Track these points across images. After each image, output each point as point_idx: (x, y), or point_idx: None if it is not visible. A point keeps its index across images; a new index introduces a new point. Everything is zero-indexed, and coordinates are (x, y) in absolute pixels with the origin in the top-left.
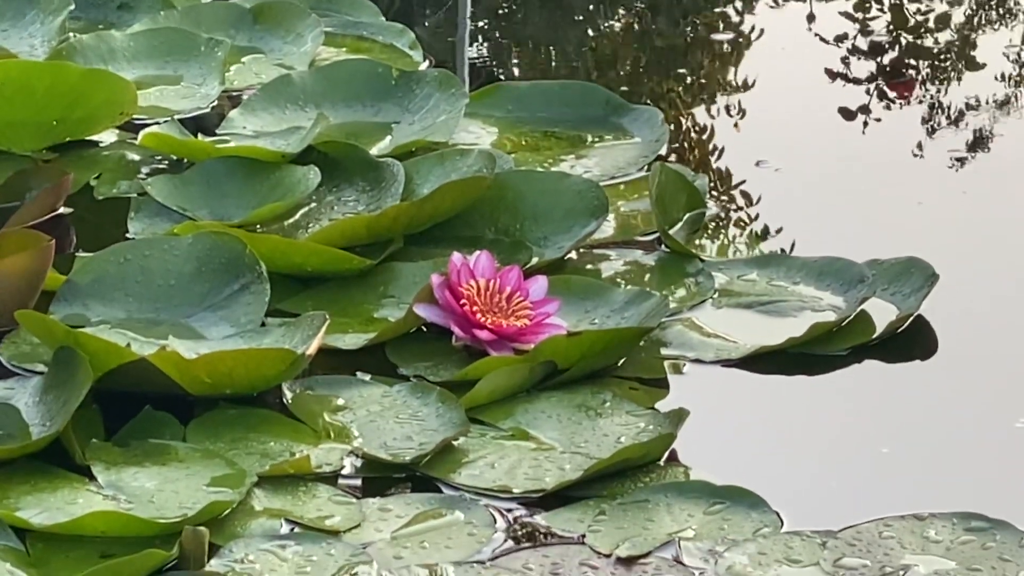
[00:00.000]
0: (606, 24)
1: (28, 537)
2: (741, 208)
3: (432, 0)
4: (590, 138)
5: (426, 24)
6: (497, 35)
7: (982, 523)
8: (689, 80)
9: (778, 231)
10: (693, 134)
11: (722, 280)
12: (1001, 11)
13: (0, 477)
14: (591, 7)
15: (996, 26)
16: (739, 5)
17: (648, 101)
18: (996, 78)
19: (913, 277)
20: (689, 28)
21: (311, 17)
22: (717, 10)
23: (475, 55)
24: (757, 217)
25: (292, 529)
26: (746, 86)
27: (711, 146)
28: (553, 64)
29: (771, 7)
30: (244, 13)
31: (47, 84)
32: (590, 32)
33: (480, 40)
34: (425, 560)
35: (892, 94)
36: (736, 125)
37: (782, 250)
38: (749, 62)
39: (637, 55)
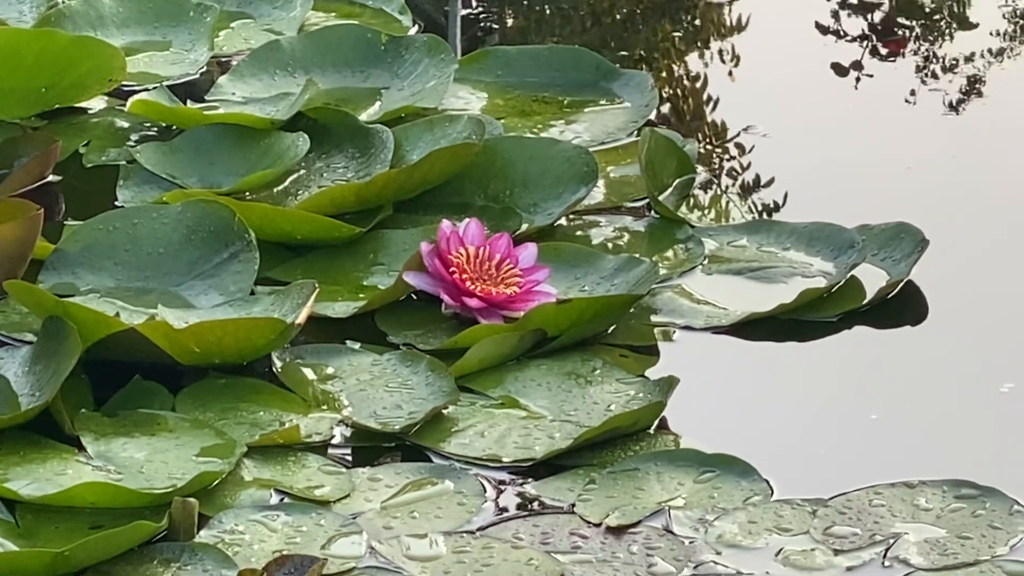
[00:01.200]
0: None
1: (17, 509)
2: (731, 173)
3: None
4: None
5: None
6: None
7: (972, 491)
8: (678, 33)
9: (768, 197)
10: (682, 94)
11: (712, 246)
12: None
13: None
14: None
15: None
16: None
17: (640, 53)
18: (991, 34)
19: (903, 242)
20: None
21: None
22: None
23: (468, 12)
24: (747, 183)
25: (282, 499)
26: (737, 34)
27: (701, 108)
28: (542, 13)
29: None
30: None
31: (36, 51)
32: None
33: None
34: (415, 530)
35: (884, 51)
36: (729, 74)
37: (772, 212)
38: (740, 15)
39: (630, 8)
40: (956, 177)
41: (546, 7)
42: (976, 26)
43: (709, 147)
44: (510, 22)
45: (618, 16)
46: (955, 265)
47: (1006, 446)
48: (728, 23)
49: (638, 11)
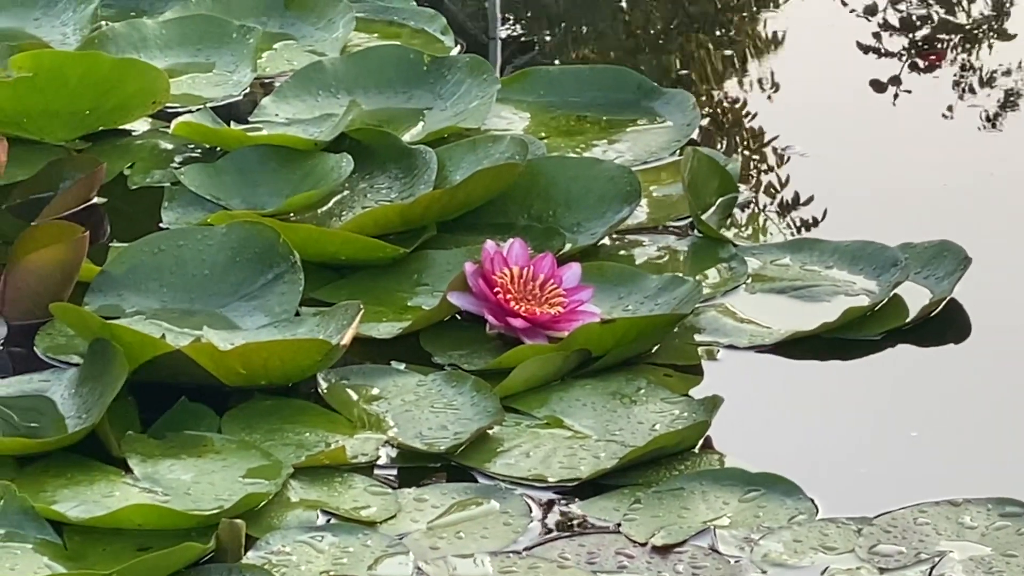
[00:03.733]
0: None
1: (65, 531)
2: (771, 192)
3: None
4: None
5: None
6: (526, 5)
7: (1017, 508)
8: (718, 56)
9: (809, 215)
10: (721, 112)
11: (755, 265)
12: None
13: (36, 470)
14: None
15: None
16: None
17: (679, 72)
18: None
19: (946, 260)
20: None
21: (342, 3)
22: None
23: (507, 35)
24: (787, 201)
25: (328, 520)
26: (774, 51)
27: (742, 127)
28: (583, 33)
29: None
30: (275, 0)
31: (80, 74)
32: (623, 3)
33: (512, 19)
34: (461, 550)
35: (923, 64)
36: (765, 92)
37: (814, 230)
38: (780, 35)
39: (668, 25)
40: (996, 193)
41: (583, 25)
42: (1014, 37)
43: (749, 165)
44: (548, 39)
45: (652, 31)
46: (998, 283)
47: None
48: (764, 38)
49: (672, 27)
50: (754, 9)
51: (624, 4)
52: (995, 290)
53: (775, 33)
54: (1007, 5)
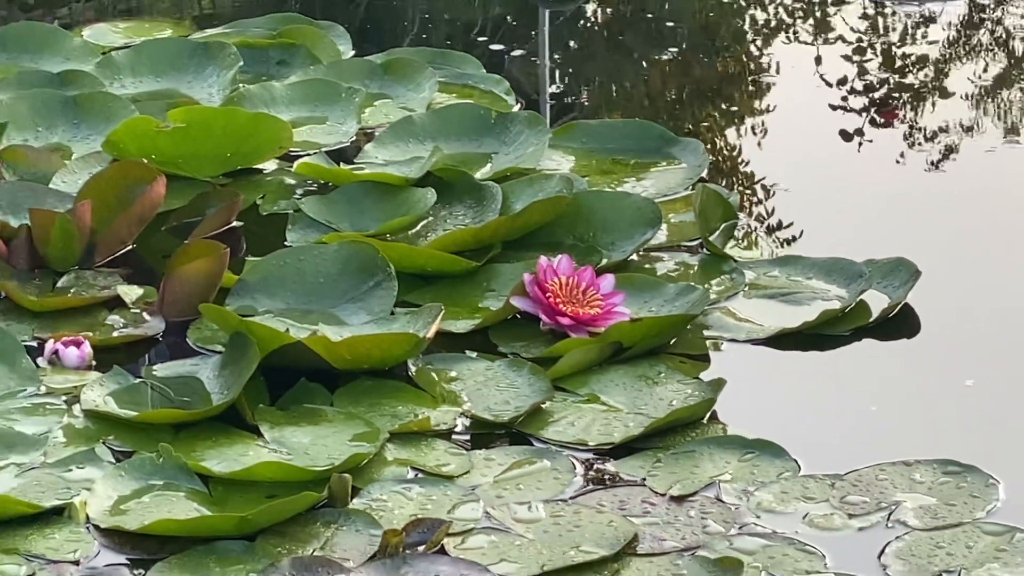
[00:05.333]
0: (656, 58)
1: (210, 482)
2: (764, 219)
3: (518, 36)
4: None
5: (514, 57)
6: (570, 71)
7: (956, 467)
8: (721, 111)
9: (794, 237)
10: (726, 158)
11: (751, 276)
12: (966, 48)
13: (188, 435)
14: (646, 44)
15: (963, 61)
16: (759, 43)
17: (689, 127)
18: (962, 97)
19: (901, 273)
20: (720, 66)
21: (428, 70)
22: (740, 48)
23: (554, 90)
24: (776, 226)
25: (416, 475)
26: (766, 115)
27: (740, 169)
28: (614, 96)
29: (785, 50)
30: (375, 67)
31: (222, 124)
32: (644, 64)
33: (558, 76)
34: (520, 498)
35: (880, 120)
36: (759, 145)
37: (797, 249)
38: (769, 95)
39: (680, 88)
40: (940, 221)
41: (613, 87)
42: (952, 95)
43: (745, 198)
44: (585, 98)
45: (669, 94)
46: (942, 291)
47: (980, 431)
48: (757, 100)
49: (685, 91)
50: (749, 78)
51: (646, 74)
52: (940, 297)
53: (765, 97)
54: (946, 69)
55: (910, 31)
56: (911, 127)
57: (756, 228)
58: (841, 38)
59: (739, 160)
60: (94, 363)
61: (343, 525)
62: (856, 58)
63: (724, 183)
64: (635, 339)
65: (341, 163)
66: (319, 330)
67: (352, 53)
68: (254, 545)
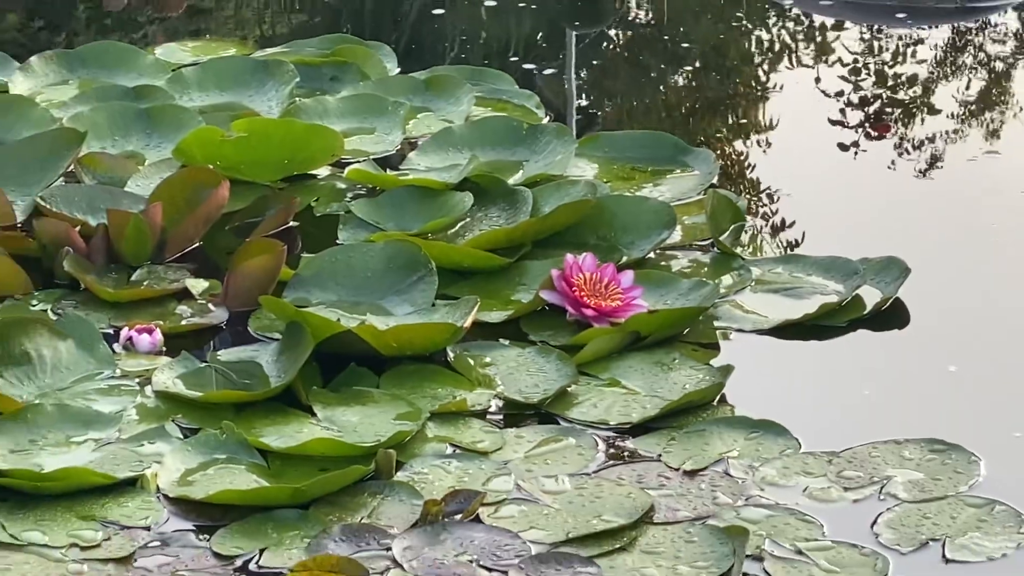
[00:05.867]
0: (671, 76)
1: (269, 456)
2: (769, 221)
3: (548, 56)
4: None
5: (544, 74)
6: (594, 88)
7: (942, 446)
8: (730, 124)
9: (795, 238)
10: (734, 166)
11: (756, 272)
12: (951, 69)
13: (249, 414)
14: (663, 63)
15: (948, 80)
16: (765, 63)
17: (701, 138)
18: (947, 112)
19: (892, 270)
20: (729, 84)
21: (466, 86)
22: (748, 67)
23: (580, 104)
24: (780, 227)
25: (454, 451)
26: (771, 128)
27: (747, 176)
28: (634, 110)
29: (788, 70)
30: (419, 83)
31: (280, 134)
32: (661, 81)
33: (583, 92)
34: (548, 472)
35: (874, 133)
36: (765, 154)
37: (798, 248)
38: (773, 110)
39: (693, 103)
40: (928, 224)
41: (633, 102)
42: (939, 112)
43: (752, 202)
44: (608, 112)
45: (683, 108)
46: (930, 286)
47: (963, 413)
48: (763, 114)
49: (697, 105)
50: (756, 95)
51: (663, 90)
52: (928, 292)
53: (770, 111)
54: (933, 87)
55: (901, 52)
56: (901, 139)
57: (762, 229)
58: (839, 59)
59: (746, 168)
60: (164, 349)
61: (388, 496)
62: (852, 77)
63: (733, 189)
64: (652, 329)
65: (387, 169)
66: (367, 320)
67: (397, 70)
68: (307, 513)
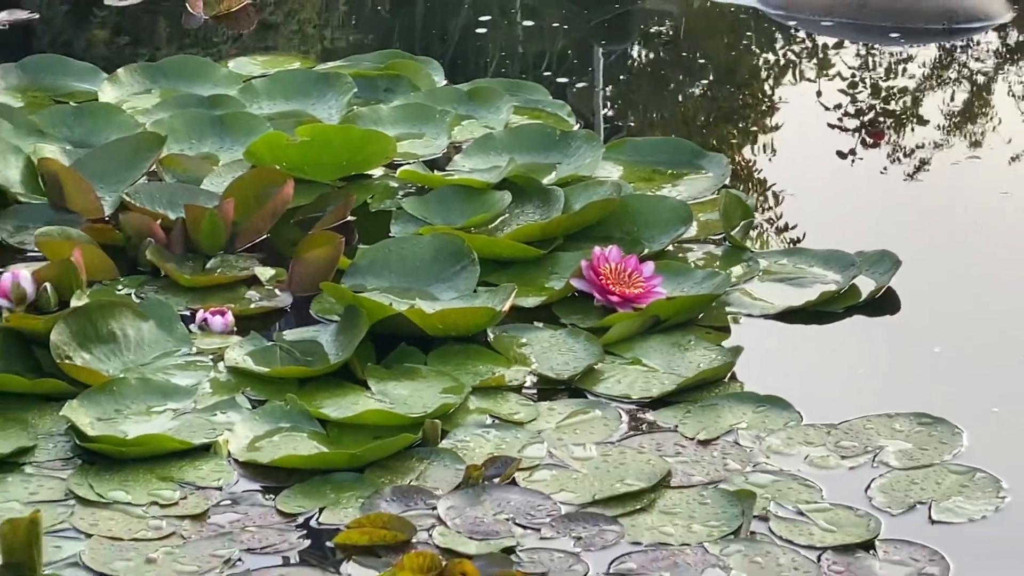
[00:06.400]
0: (689, 89)
1: (327, 425)
2: (775, 218)
3: (578, 71)
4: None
5: (575, 87)
6: (620, 99)
7: (928, 419)
8: (741, 132)
9: (799, 234)
10: (744, 168)
11: (764, 264)
12: (937, 83)
13: (311, 387)
14: (681, 78)
15: (935, 93)
16: (772, 78)
17: (714, 144)
18: (933, 122)
19: (885, 262)
20: (740, 96)
21: (505, 96)
22: (757, 81)
23: (607, 114)
24: (786, 224)
25: (493, 421)
26: (777, 135)
27: (755, 177)
28: (655, 119)
29: (792, 84)
30: (463, 94)
31: (339, 139)
32: (679, 94)
33: (610, 103)
34: (577, 441)
35: (870, 140)
36: (770, 160)
37: (800, 242)
38: (779, 119)
39: (708, 113)
40: (916, 222)
41: (654, 112)
42: (928, 122)
43: (760, 201)
44: (632, 119)
45: (699, 118)
46: (919, 277)
47: (947, 389)
48: (770, 123)
49: (712, 116)
50: (764, 105)
51: (681, 101)
52: (917, 282)
53: (776, 121)
54: (921, 99)
55: (893, 68)
56: (894, 146)
57: (769, 226)
58: (839, 74)
59: (755, 170)
60: (235, 329)
61: (434, 461)
62: (850, 90)
63: (743, 189)
64: (670, 314)
65: (435, 170)
66: (416, 304)
67: (444, 82)
68: (362, 476)
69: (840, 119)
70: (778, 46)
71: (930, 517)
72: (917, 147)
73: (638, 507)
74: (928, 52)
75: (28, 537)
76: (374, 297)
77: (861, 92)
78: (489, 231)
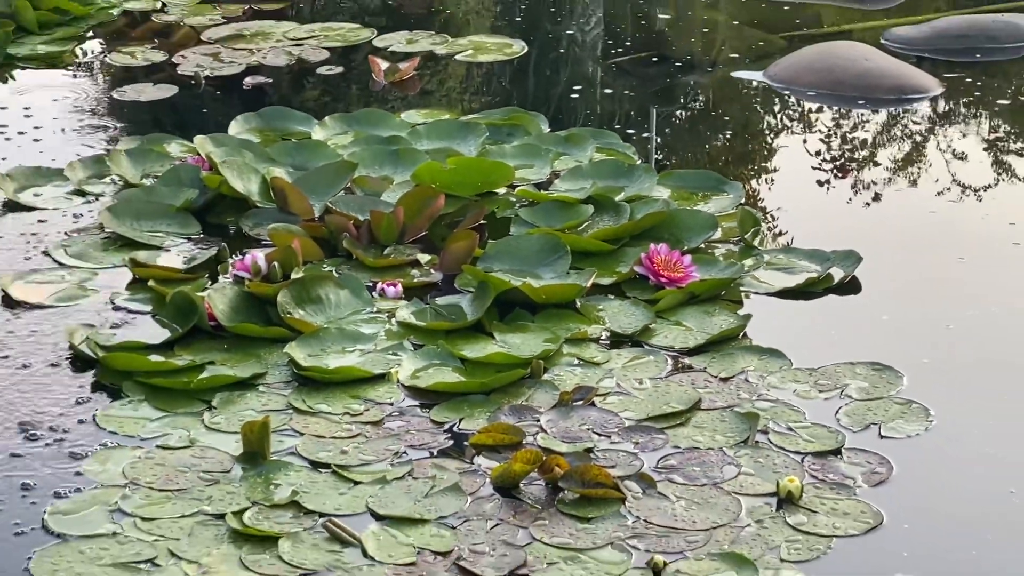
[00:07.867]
0: (716, 139)
1: (465, 363)
2: (774, 227)
3: (639, 123)
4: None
5: (637, 138)
6: (667, 144)
7: (879, 366)
8: (752, 168)
9: (792, 237)
10: (752, 193)
11: (767, 258)
12: (890, 136)
13: (453, 337)
14: (710, 131)
15: (887, 143)
16: (775, 131)
17: (733, 176)
18: (885, 166)
19: (851, 258)
20: (752, 144)
21: (590, 140)
22: (766, 133)
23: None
24: (781, 231)
25: (579, 362)
26: (776, 171)
27: (760, 199)
28: (692, 158)
29: (787, 136)
30: (561, 138)
31: (476, 167)
32: (709, 141)
33: (661, 147)
34: (636, 376)
35: (841, 175)
36: (770, 189)
37: (792, 243)
38: (777, 160)
39: (729, 155)
40: (876, 233)
41: (691, 153)
42: (880, 164)
43: (764, 215)
44: (676, 158)
45: (723, 159)
46: (875, 269)
47: (894, 346)
48: (769, 162)
49: (731, 158)
50: (767, 151)
51: (709, 147)
52: (873, 272)
53: (776, 160)
54: (877, 147)
55: (858, 125)
56: (856, 179)
57: (770, 232)
58: (819, 129)
59: (760, 195)
60: (403, 296)
61: (538, 388)
62: (827, 140)
63: (753, 206)
64: (702, 291)
65: (541, 190)
66: (527, 281)
67: (548, 129)
68: (489, 398)
69: (820, 161)
70: (776, 109)
71: (880, 433)
72: (872, 181)
73: (678, 422)
74: (882, 116)
75: (261, 434)
76: (498, 276)
77: (835, 142)
78: (578, 232)
